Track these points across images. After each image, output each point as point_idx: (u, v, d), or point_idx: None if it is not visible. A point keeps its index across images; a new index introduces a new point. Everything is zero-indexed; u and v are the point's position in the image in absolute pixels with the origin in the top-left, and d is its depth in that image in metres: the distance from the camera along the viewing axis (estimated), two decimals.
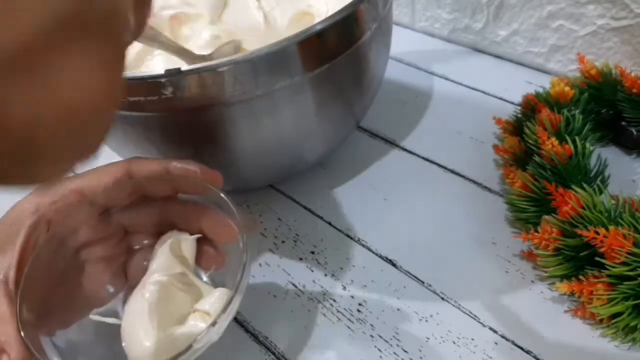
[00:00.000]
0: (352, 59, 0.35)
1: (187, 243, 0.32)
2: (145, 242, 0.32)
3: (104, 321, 0.30)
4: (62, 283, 0.29)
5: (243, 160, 0.37)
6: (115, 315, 0.31)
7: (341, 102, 0.38)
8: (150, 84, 0.30)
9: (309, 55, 0.32)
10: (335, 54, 0.34)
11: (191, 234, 0.32)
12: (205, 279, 0.32)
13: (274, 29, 0.41)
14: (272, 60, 0.31)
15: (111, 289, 0.32)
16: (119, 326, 0.29)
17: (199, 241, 0.32)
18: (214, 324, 0.25)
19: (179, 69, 0.30)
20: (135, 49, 0.38)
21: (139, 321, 0.28)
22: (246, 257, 0.27)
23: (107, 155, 0.41)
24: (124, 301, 0.31)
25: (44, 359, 0.25)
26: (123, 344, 0.28)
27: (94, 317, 0.30)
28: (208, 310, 0.29)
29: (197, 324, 0.29)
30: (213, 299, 0.29)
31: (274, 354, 0.33)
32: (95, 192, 0.30)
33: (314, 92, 0.34)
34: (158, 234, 0.32)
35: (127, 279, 0.32)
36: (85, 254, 0.31)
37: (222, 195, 0.30)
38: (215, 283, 0.32)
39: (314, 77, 0.33)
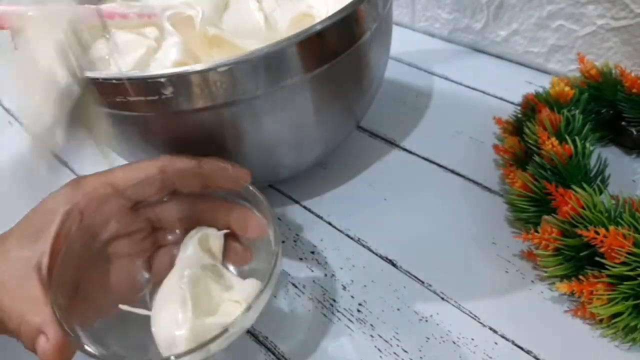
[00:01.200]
0: (352, 59, 0.35)
1: (215, 238, 0.32)
2: (170, 238, 0.33)
3: (133, 311, 0.30)
4: (91, 274, 0.30)
5: (243, 161, 0.37)
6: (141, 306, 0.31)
7: (341, 102, 0.38)
8: (151, 84, 0.30)
9: (309, 55, 0.32)
10: (335, 54, 0.34)
11: (219, 230, 0.32)
12: (234, 272, 0.33)
13: (275, 30, 0.41)
14: (272, 60, 0.31)
15: (136, 284, 0.32)
16: (146, 316, 0.30)
17: (225, 238, 0.33)
18: (248, 309, 0.26)
19: (181, 69, 0.30)
20: (141, 51, 0.38)
21: (172, 310, 0.29)
22: (278, 246, 0.28)
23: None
24: (150, 296, 0.32)
25: (79, 341, 0.25)
26: (153, 329, 0.29)
27: (123, 307, 0.30)
28: (239, 300, 0.30)
29: (228, 313, 0.29)
30: (244, 289, 0.30)
31: (274, 354, 0.33)
32: (127, 186, 0.31)
33: (314, 92, 0.34)
34: (185, 230, 0.33)
35: (152, 275, 0.33)
36: (113, 247, 0.31)
37: (251, 189, 0.30)
38: (243, 277, 0.32)
39: (313, 77, 0.33)
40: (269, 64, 0.31)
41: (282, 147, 0.37)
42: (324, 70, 0.33)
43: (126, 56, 0.38)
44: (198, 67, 0.30)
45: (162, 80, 0.30)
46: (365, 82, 0.39)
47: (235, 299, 0.30)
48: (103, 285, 0.31)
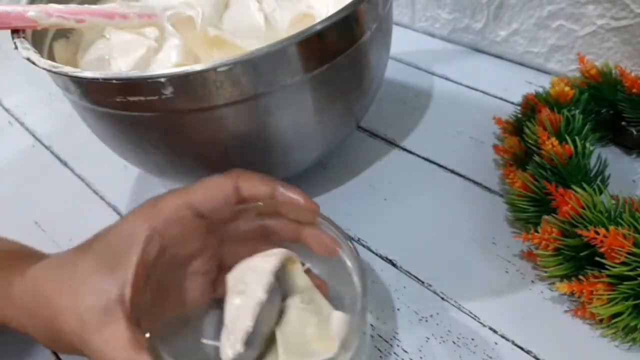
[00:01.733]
0: (352, 59, 0.35)
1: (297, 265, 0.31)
2: (240, 258, 0.31)
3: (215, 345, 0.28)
4: (169, 301, 0.29)
5: (242, 160, 0.37)
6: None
7: (341, 102, 0.38)
8: (151, 83, 0.30)
9: (309, 55, 0.32)
10: (335, 54, 0.34)
11: (290, 242, 0.31)
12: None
13: (275, 30, 0.41)
14: (272, 60, 0.31)
15: (202, 306, 0.31)
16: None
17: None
18: (346, 348, 0.25)
19: (181, 69, 0.30)
20: (141, 50, 0.39)
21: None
22: (364, 280, 0.27)
23: (108, 154, 0.41)
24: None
25: None
26: None
27: (206, 341, 0.29)
28: (332, 336, 0.28)
29: (318, 352, 0.28)
30: (335, 324, 0.28)
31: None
32: (205, 207, 0.29)
33: (314, 92, 0.34)
34: (253, 245, 0.31)
35: (214, 294, 0.31)
36: (188, 269, 0.30)
37: (325, 220, 0.30)
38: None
39: (314, 77, 0.33)
40: (269, 63, 0.31)
41: (281, 147, 0.37)
42: (324, 70, 0.33)
43: (126, 56, 0.38)
44: (198, 67, 0.29)
45: (162, 80, 0.30)
46: (365, 82, 0.39)
47: (329, 335, 0.28)
48: (181, 312, 0.30)
